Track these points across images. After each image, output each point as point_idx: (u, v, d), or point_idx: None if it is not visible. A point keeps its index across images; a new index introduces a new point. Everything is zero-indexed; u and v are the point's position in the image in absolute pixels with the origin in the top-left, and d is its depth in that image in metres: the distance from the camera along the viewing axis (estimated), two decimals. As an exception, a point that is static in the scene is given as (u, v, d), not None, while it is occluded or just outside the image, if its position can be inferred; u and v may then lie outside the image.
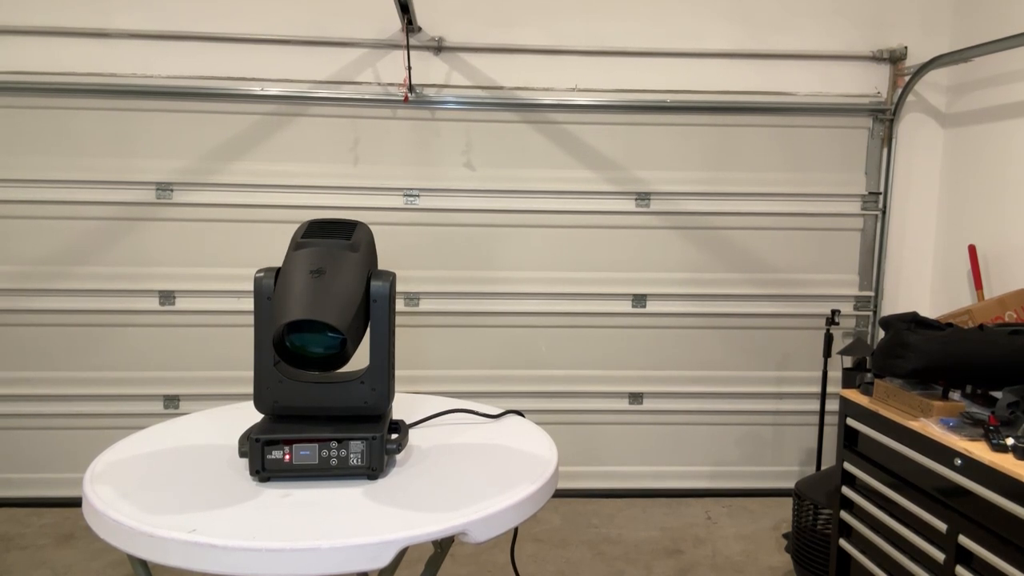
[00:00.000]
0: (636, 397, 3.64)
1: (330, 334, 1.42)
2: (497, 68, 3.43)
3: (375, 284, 1.50)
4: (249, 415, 1.86)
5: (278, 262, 3.43)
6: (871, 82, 3.54)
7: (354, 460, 1.44)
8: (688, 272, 3.59)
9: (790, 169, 3.56)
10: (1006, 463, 1.76)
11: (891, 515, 2.19)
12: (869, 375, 2.39)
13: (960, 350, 2.01)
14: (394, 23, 3.35)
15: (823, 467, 3.48)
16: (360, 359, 2.62)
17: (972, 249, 3.26)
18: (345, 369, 1.55)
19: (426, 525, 1.26)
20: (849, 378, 2.51)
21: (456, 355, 3.57)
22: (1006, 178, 3.17)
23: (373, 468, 1.44)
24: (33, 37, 3.28)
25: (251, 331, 3.49)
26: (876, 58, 3.52)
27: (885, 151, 3.58)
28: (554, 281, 3.55)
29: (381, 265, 3.50)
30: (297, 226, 3.13)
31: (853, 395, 2.37)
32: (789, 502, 3.63)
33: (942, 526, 1.96)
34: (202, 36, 3.32)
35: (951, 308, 3.48)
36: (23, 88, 3.28)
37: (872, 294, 3.65)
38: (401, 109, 3.42)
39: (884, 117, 3.55)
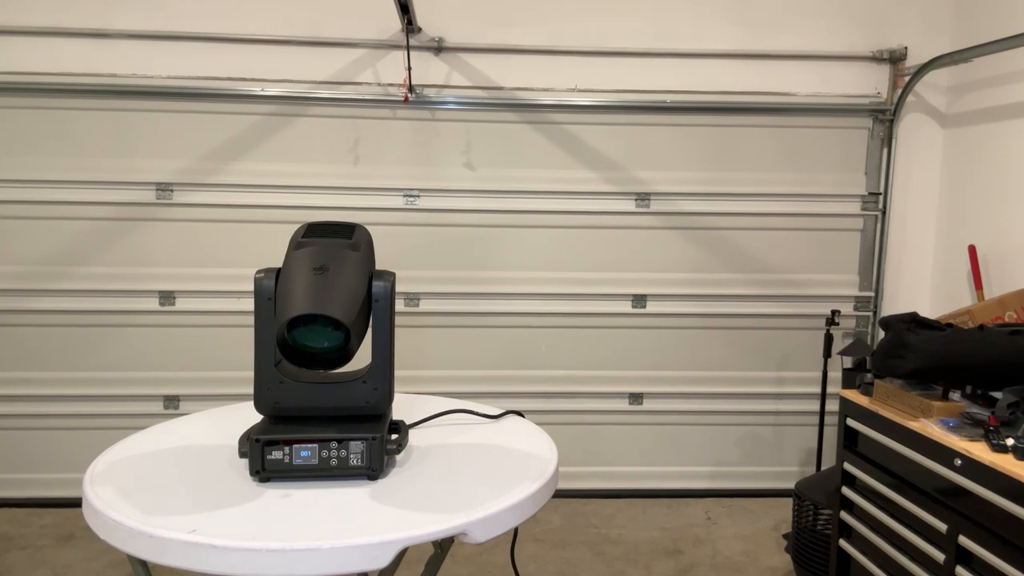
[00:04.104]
0: (636, 397, 3.64)
1: (334, 330, 1.42)
2: (497, 68, 3.43)
3: (376, 284, 1.51)
4: (249, 415, 1.86)
5: (278, 262, 3.43)
6: (871, 82, 3.54)
7: (354, 460, 1.44)
8: (688, 272, 3.59)
9: (790, 169, 3.56)
10: (1006, 463, 1.76)
11: (891, 515, 2.19)
12: (869, 375, 2.39)
13: (960, 350, 2.01)
14: (394, 23, 3.35)
15: (823, 467, 3.48)
16: (359, 361, 2.62)
17: (972, 249, 3.26)
18: (344, 369, 1.55)
19: (426, 525, 1.26)
20: (849, 378, 2.51)
21: (456, 355, 3.57)
22: (1006, 178, 3.17)
23: (373, 468, 1.44)
24: (33, 37, 3.28)
25: (251, 331, 3.49)
26: (876, 58, 3.52)
27: (885, 151, 3.58)
28: (554, 281, 3.55)
29: (381, 265, 3.50)
30: (297, 226, 3.14)
31: (853, 395, 2.37)
32: (789, 502, 3.63)
33: (942, 526, 1.96)
34: (202, 36, 3.32)
35: (951, 308, 3.48)
36: (23, 88, 3.28)
37: (872, 294, 3.65)
38: (401, 109, 3.42)
39: (884, 117, 3.55)
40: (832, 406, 3.65)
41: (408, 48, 3.32)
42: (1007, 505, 1.74)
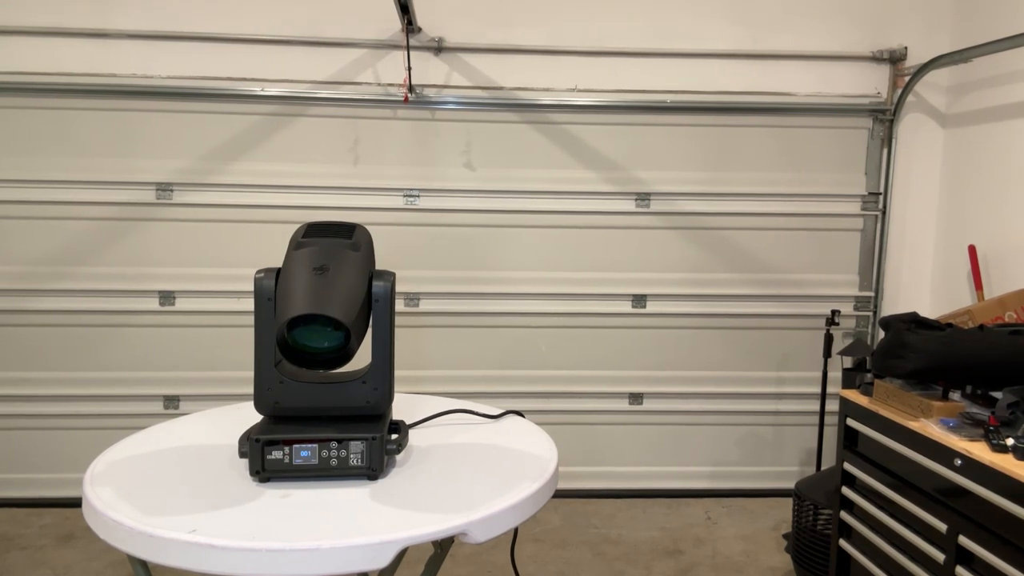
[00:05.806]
0: (636, 397, 3.64)
1: (334, 330, 1.42)
2: (497, 68, 3.43)
3: (376, 284, 1.51)
4: (249, 415, 1.86)
5: (278, 262, 3.43)
6: (871, 82, 3.54)
7: (354, 460, 1.44)
8: (688, 272, 3.59)
9: (790, 169, 3.56)
10: (1006, 463, 1.76)
11: (891, 515, 2.19)
12: (869, 375, 2.39)
13: (960, 350, 2.01)
14: (394, 23, 3.35)
15: (823, 467, 3.48)
16: (359, 361, 2.62)
17: (972, 249, 3.26)
18: (344, 369, 1.55)
19: (426, 525, 1.26)
20: (849, 378, 2.51)
21: (456, 355, 3.57)
22: (1006, 178, 3.17)
23: (373, 468, 1.44)
24: (33, 37, 3.28)
25: (251, 331, 3.48)
26: (876, 58, 3.52)
27: (885, 151, 3.58)
28: (554, 281, 3.55)
29: (381, 265, 3.50)
30: (297, 226, 3.14)
31: (853, 395, 2.37)
32: (789, 502, 3.63)
33: (942, 526, 1.96)
34: (202, 36, 3.32)
35: (951, 308, 3.48)
36: (23, 88, 3.28)
37: (872, 294, 3.65)
38: (401, 109, 3.42)
39: (884, 117, 3.55)
40: (832, 406, 3.65)
41: (408, 48, 3.32)
42: (1007, 505, 1.74)
